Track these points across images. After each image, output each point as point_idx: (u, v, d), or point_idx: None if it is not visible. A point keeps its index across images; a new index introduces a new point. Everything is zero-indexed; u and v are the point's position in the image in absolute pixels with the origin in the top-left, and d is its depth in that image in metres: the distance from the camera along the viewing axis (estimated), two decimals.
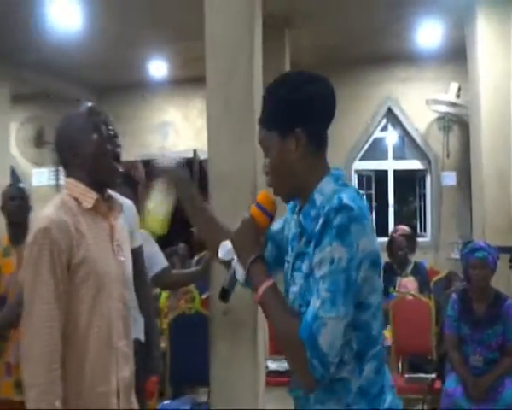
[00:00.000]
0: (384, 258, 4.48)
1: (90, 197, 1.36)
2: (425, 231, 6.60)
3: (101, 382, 1.33)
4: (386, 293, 4.13)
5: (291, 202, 1.20)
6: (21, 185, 3.01)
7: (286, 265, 1.16)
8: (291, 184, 1.11)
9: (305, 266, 1.05)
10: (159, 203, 1.45)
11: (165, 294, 3.99)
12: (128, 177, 2.73)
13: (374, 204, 6.89)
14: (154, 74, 6.93)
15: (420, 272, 4.21)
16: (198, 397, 3.20)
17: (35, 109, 7.22)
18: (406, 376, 3.37)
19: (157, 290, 4.02)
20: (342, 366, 1.03)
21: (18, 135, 6.75)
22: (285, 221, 1.24)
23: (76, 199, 1.36)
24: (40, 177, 7.39)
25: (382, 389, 1.07)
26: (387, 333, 3.76)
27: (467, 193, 6.16)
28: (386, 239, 4.13)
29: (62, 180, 1.51)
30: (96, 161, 1.38)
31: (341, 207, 0.97)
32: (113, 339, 1.37)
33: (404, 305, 3.66)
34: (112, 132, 1.43)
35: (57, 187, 6.69)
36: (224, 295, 1.14)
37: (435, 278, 4.61)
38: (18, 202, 2.64)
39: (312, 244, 1.01)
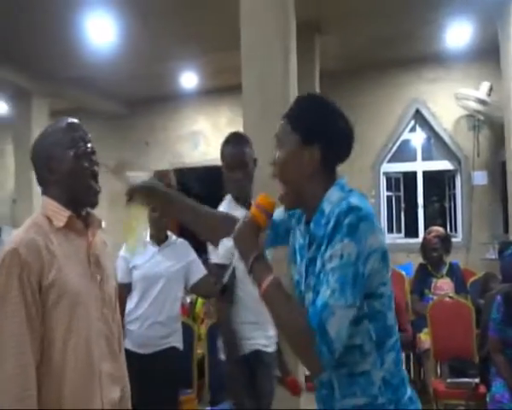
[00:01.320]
0: (419, 260, 4.47)
1: (62, 215, 1.30)
2: (456, 231, 6.51)
3: (83, 406, 1.25)
4: (422, 295, 4.13)
5: (296, 211, 1.25)
6: None
7: (297, 277, 1.20)
8: (293, 187, 1.16)
9: (317, 267, 1.10)
10: (137, 222, 1.41)
11: (200, 300, 4.04)
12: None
13: (402, 205, 6.86)
14: (184, 86, 7.09)
15: (455, 273, 4.16)
16: None
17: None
18: (448, 380, 3.25)
19: (193, 297, 4.11)
20: (364, 358, 1.08)
21: None
22: (288, 219, 1.29)
23: (48, 218, 1.30)
24: None
25: (403, 380, 1.13)
26: (425, 336, 3.72)
27: (498, 192, 6.08)
28: (416, 240, 4.07)
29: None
30: (71, 179, 1.32)
31: (351, 209, 1.05)
32: (94, 361, 1.29)
33: (442, 307, 3.57)
34: (89, 149, 1.35)
35: None
36: (224, 290, 1.18)
37: (471, 279, 4.55)
38: None
39: (324, 245, 1.07)
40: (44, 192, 1.36)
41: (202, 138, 7.87)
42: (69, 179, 1.32)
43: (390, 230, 6.76)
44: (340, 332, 1.01)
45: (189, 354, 2.91)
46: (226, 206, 2.02)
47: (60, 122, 1.37)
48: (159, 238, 2.53)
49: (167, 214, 1.44)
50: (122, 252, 2.48)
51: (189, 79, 6.92)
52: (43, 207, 1.33)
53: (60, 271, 1.24)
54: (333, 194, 1.12)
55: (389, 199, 6.84)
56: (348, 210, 1.04)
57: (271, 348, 2.07)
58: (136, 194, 1.36)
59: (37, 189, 1.40)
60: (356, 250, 1.02)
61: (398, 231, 6.85)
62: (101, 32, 5.12)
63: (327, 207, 1.11)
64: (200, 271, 2.54)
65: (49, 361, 1.22)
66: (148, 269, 2.44)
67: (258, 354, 2.00)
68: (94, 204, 1.37)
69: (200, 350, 3.18)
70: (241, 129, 7.88)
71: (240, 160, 2.05)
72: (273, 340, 2.08)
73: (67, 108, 7.25)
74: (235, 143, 2.09)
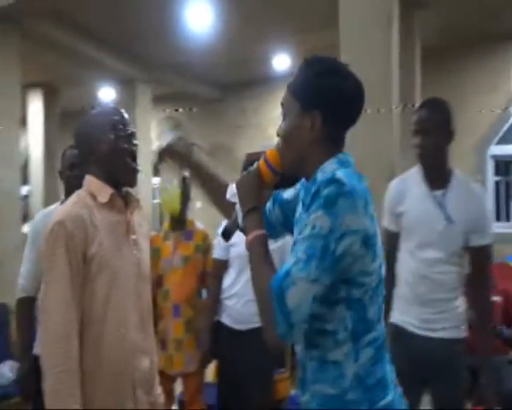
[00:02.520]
0: None
1: (105, 192, 1.38)
2: None
3: (116, 372, 1.34)
4: None
5: (302, 180, 1.19)
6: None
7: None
8: (296, 157, 1.11)
9: (295, 235, 1.07)
10: (172, 185, 1.39)
11: None
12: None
13: None
14: (276, 68, 7.09)
15: None
16: None
17: (172, 108, 7.86)
18: None
19: None
20: (337, 346, 1.03)
21: (157, 131, 7.40)
22: (297, 192, 1.23)
23: (92, 194, 1.38)
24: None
25: (379, 382, 1.04)
26: None
27: None
28: None
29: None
30: (111, 159, 1.39)
31: (332, 181, 0.98)
32: (128, 331, 1.37)
33: None
34: (129, 132, 1.43)
35: None
36: (226, 234, 1.22)
37: None
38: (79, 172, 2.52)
39: (303, 213, 1.04)
40: (87, 171, 1.44)
41: None
42: (108, 159, 1.39)
43: (498, 218, 6.27)
44: (299, 305, 0.96)
45: None
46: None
47: (101, 108, 1.47)
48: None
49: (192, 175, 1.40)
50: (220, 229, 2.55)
51: (281, 61, 6.90)
52: (87, 185, 1.42)
53: (101, 244, 1.33)
54: (328, 165, 1.07)
55: (497, 184, 6.34)
56: (329, 181, 0.98)
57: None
58: (165, 155, 1.37)
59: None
60: (329, 224, 0.95)
61: (507, 219, 6.33)
62: (197, 19, 5.28)
63: (319, 176, 1.06)
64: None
65: (88, 327, 1.31)
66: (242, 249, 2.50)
67: None
68: (132, 183, 1.44)
69: None
70: None
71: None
72: None
73: (167, 93, 7.62)
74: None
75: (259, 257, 1.05)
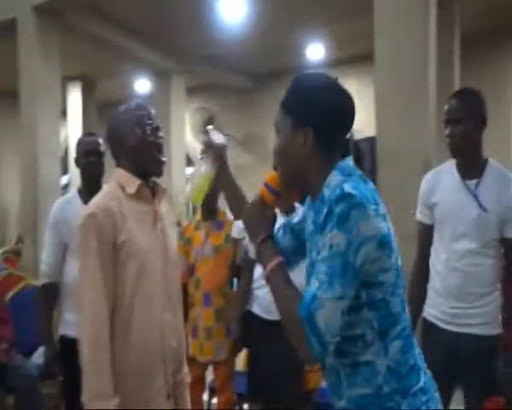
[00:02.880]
0: None
1: (133, 183, 1.46)
2: None
3: (146, 349, 1.43)
4: None
5: (308, 199, 1.21)
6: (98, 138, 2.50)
7: (306, 264, 1.18)
8: (293, 173, 1.14)
9: (313, 256, 1.09)
10: (202, 175, 1.42)
11: None
12: None
13: None
14: (310, 58, 7.02)
15: None
16: None
17: (205, 99, 7.91)
18: None
19: None
20: (367, 347, 1.05)
21: (191, 122, 7.47)
22: (305, 214, 1.24)
23: (122, 186, 1.47)
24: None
25: (412, 368, 1.07)
26: None
27: None
28: None
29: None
30: (139, 152, 1.48)
31: (342, 196, 1.00)
32: (156, 312, 1.46)
33: None
34: (154, 125, 1.51)
35: None
36: (239, 271, 1.15)
37: None
38: (94, 158, 2.38)
39: (318, 234, 1.05)
40: (117, 164, 1.53)
41: None
42: (136, 152, 1.48)
43: None
44: (329, 324, 0.99)
45: None
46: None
47: (129, 103, 1.54)
48: (286, 208, 2.57)
49: (219, 183, 1.44)
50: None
51: (315, 51, 6.83)
52: (117, 177, 1.51)
53: (130, 232, 1.42)
54: (332, 178, 1.08)
55: None
56: (340, 198, 1.00)
57: None
58: (211, 151, 1.39)
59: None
60: (345, 240, 0.98)
61: None
62: (231, 10, 5.29)
63: (326, 192, 1.08)
64: None
65: (120, 310, 1.41)
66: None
67: None
68: (159, 174, 1.52)
69: None
70: (369, 100, 7.52)
71: None
72: None
73: (200, 84, 7.68)
74: None
75: (282, 285, 1.08)
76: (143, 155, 1.48)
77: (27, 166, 4.68)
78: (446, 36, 3.82)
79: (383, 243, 1.02)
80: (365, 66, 7.32)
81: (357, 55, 7.05)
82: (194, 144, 7.84)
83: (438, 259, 1.94)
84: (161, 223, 1.54)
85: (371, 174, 7.15)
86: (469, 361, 1.88)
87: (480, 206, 1.82)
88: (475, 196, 1.84)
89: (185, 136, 6.92)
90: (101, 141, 2.45)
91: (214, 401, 2.90)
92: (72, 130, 7.55)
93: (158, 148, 1.51)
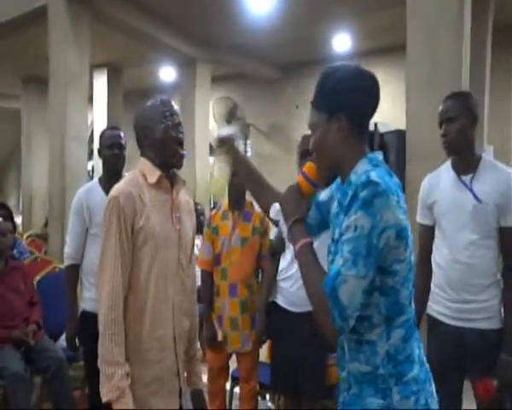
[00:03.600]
0: None
1: (154, 174, 1.58)
2: None
3: (158, 327, 1.55)
4: None
5: (336, 181, 1.29)
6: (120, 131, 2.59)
7: (329, 242, 1.25)
8: (331, 163, 1.21)
9: (336, 235, 1.18)
10: (220, 170, 1.50)
11: None
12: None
13: None
14: (336, 48, 6.94)
15: None
16: None
17: (230, 88, 7.89)
18: None
19: None
20: (372, 329, 1.14)
21: (214, 111, 7.47)
22: (332, 193, 1.33)
23: (144, 175, 1.59)
24: None
25: (409, 357, 1.14)
26: None
27: None
28: None
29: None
30: (161, 145, 1.59)
31: (368, 183, 1.07)
32: (169, 294, 1.57)
33: None
34: (177, 121, 1.62)
35: None
36: (274, 252, 1.32)
37: None
38: (117, 151, 2.49)
39: (342, 215, 1.13)
40: (141, 154, 1.65)
41: None
42: (159, 145, 1.59)
43: None
44: (352, 300, 1.06)
45: None
46: None
47: (156, 99, 1.65)
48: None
49: (237, 175, 1.51)
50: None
51: (341, 41, 6.74)
52: (141, 166, 1.62)
53: (148, 218, 1.53)
54: (360, 166, 1.16)
55: None
56: (365, 184, 1.07)
57: None
58: (226, 145, 1.49)
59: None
60: (369, 223, 1.05)
61: None
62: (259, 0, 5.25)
63: (353, 178, 1.15)
64: None
65: (135, 289, 1.53)
66: None
67: None
68: (179, 166, 1.64)
69: None
70: (396, 91, 7.40)
71: None
72: None
73: (227, 73, 7.66)
74: None
75: (309, 263, 1.16)
76: (166, 148, 1.59)
77: (55, 151, 4.76)
78: (478, 26, 3.70)
79: (401, 234, 1.09)
80: (392, 57, 7.21)
81: (383, 47, 6.94)
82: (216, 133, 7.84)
83: (440, 254, 2.00)
84: (178, 212, 1.64)
85: (397, 169, 7.06)
86: (476, 355, 1.90)
87: (476, 198, 1.89)
88: (470, 190, 1.91)
89: (209, 124, 6.92)
90: (123, 134, 2.58)
91: (237, 389, 2.92)
92: (98, 117, 7.64)
93: (179, 142, 1.62)
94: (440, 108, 1.99)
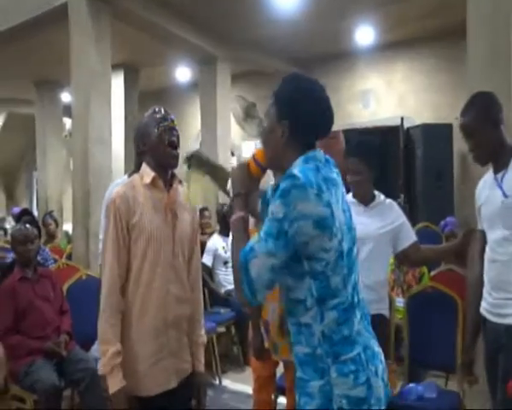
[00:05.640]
0: None
1: (149, 175, 1.75)
2: None
3: (150, 312, 1.71)
4: None
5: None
6: None
7: None
8: (272, 156, 1.34)
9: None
10: (197, 181, 1.68)
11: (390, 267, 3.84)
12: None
13: None
14: (358, 42, 6.78)
15: None
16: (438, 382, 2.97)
17: (247, 86, 7.74)
18: None
19: None
20: (306, 311, 1.24)
21: (232, 109, 7.31)
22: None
23: (141, 177, 1.77)
24: (249, 149, 7.93)
25: (346, 339, 1.22)
26: None
27: None
28: None
29: None
30: (156, 148, 1.75)
31: (288, 176, 1.20)
32: (162, 282, 1.72)
33: None
34: (170, 125, 1.77)
35: None
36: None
37: None
38: None
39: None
40: (143, 159, 1.81)
41: (373, 97, 7.49)
42: (155, 149, 1.75)
43: None
44: (260, 275, 1.19)
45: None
46: None
47: (151, 109, 1.83)
48: (365, 198, 2.39)
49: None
50: None
51: (364, 34, 6.57)
52: (141, 169, 1.80)
53: (142, 215, 1.71)
54: (296, 163, 1.26)
55: None
56: (286, 177, 1.20)
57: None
58: (192, 160, 1.66)
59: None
60: (283, 210, 1.17)
61: None
62: None
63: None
64: (410, 237, 2.37)
65: (130, 278, 1.71)
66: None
67: None
68: (173, 166, 1.78)
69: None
70: (421, 85, 7.15)
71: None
72: None
73: (246, 70, 7.51)
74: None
75: (238, 236, 1.30)
76: (160, 150, 1.75)
77: (78, 154, 4.62)
78: None
79: (321, 224, 1.18)
80: (416, 49, 7.05)
81: (407, 38, 6.77)
82: (233, 132, 7.70)
83: (486, 255, 2.01)
84: (172, 208, 1.78)
85: (423, 164, 6.83)
86: (509, 353, 1.89)
87: (503, 193, 1.89)
88: (499, 186, 1.91)
89: (230, 124, 6.78)
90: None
91: (281, 400, 2.79)
92: (114, 119, 7.50)
93: (172, 144, 1.75)
94: (459, 121, 1.99)
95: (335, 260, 1.22)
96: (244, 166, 1.40)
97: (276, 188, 1.25)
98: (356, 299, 1.27)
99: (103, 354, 1.64)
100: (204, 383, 1.91)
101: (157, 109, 1.81)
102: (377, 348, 1.29)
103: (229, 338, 4.64)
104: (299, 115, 1.26)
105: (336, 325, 1.22)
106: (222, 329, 4.30)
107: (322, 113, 1.28)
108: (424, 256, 2.45)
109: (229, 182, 1.45)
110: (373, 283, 2.30)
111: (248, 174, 1.39)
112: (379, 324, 2.31)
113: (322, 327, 1.22)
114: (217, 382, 3.99)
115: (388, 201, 2.44)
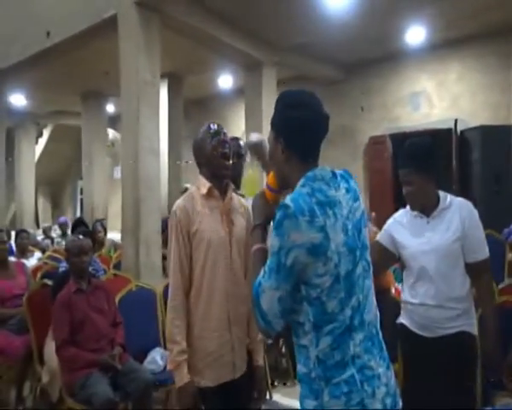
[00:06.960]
0: None
1: (205, 186, 1.91)
2: None
3: (212, 311, 1.86)
4: None
5: None
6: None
7: None
8: (279, 175, 1.38)
9: None
10: (253, 172, 1.65)
11: None
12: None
13: None
14: (408, 42, 6.56)
15: None
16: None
17: None
18: None
19: None
20: (304, 334, 1.26)
21: None
22: None
23: (199, 188, 1.93)
24: None
25: (340, 362, 1.23)
26: None
27: None
28: None
29: None
30: (210, 160, 1.91)
31: (281, 206, 1.22)
32: (222, 284, 1.86)
33: None
34: (222, 138, 1.92)
35: None
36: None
37: None
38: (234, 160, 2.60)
39: None
40: (200, 172, 1.97)
41: (424, 99, 7.20)
42: (209, 161, 1.91)
43: None
44: (270, 307, 1.23)
45: None
46: None
47: (205, 124, 1.97)
48: (425, 208, 2.18)
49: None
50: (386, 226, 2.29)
51: (415, 34, 6.33)
52: (197, 181, 1.94)
53: (200, 224, 1.85)
54: (298, 184, 1.29)
55: None
56: (280, 207, 1.22)
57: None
58: (254, 150, 1.70)
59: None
60: (278, 243, 1.21)
61: None
62: None
63: None
64: (480, 251, 2.10)
65: (193, 282, 1.86)
66: (418, 246, 2.14)
67: None
68: (225, 176, 1.93)
69: None
70: (475, 85, 6.81)
71: None
72: None
73: (291, 75, 7.42)
74: None
75: (256, 267, 1.32)
76: (214, 163, 1.90)
77: (128, 164, 4.61)
78: None
79: (314, 251, 1.19)
80: (469, 48, 6.73)
81: (459, 37, 6.48)
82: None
83: None
84: (230, 214, 1.93)
85: (481, 167, 6.49)
86: None
87: None
88: None
89: None
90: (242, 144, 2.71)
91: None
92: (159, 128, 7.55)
93: (224, 156, 1.90)
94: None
95: (331, 284, 1.23)
96: (261, 196, 1.45)
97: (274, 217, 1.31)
98: (356, 321, 1.26)
99: (170, 352, 1.83)
100: (264, 377, 2.03)
101: (211, 125, 1.96)
102: (382, 369, 1.27)
103: (277, 350, 4.51)
104: (290, 129, 1.30)
105: (330, 350, 1.24)
106: (270, 340, 4.17)
107: (313, 124, 1.30)
108: (477, 297, 2.18)
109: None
110: (446, 299, 2.10)
111: (266, 202, 1.44)
112: (461, 342, 2.11)
113: (317, 352, 1.25)
114: (267, 396, 3.85)
115: (457, 202, 2.19)
